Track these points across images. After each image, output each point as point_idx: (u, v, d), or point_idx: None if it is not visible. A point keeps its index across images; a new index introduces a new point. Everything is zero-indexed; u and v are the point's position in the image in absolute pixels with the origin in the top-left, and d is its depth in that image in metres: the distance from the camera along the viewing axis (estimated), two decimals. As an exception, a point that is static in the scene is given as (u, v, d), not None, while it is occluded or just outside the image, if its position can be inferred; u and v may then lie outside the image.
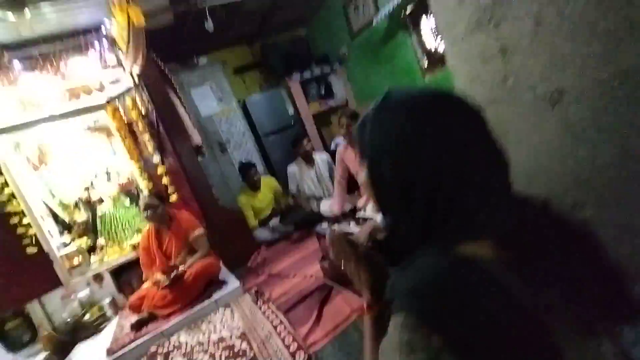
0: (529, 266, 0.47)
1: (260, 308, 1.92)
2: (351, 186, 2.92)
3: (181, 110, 2.78)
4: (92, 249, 2.97)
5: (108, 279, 2.73)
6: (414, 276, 0.39)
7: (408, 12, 3.47)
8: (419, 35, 3.54)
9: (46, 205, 2.92)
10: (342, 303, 1.65)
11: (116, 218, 3.10)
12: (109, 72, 2.65)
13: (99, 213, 3.10)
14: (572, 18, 0.63)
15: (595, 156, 0.68)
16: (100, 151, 3.19)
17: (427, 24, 3.41)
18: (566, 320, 0.57)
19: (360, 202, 2.53)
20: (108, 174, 3.20)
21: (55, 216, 2.96)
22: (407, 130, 0.42)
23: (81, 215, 3.08)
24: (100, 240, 2.99)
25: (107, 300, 2.61)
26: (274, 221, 3.21)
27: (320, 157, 3.27)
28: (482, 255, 0.39)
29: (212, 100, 3.81)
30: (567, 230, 0.72)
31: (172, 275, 2.10)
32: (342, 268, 0.74)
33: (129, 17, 1.97)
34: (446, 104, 0.44)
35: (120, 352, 1.90)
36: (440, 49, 3.40)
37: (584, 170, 0.71)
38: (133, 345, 1.94)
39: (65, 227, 3.03)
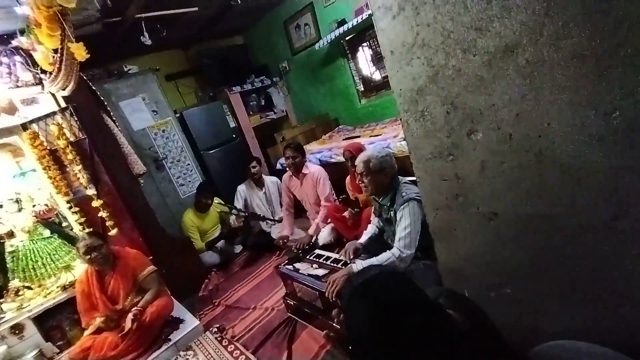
0: None
1: (226, 348, 1.98)
2: (297, 210, 3.11)
3: (119, 135, 2.55)
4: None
5: (31, 328, 2.41)
6: None
7: (347, 38, 3.71)
8: (356, 62, 3.82)
9: None
10: (309, 339, 1.82)
11: (34, 253, 2.71)
12: (22, 91, 2.26)
13: (8, 249, 2.67)
14: (509, 165, 0.90)
15: (512, 257, 1.00)
16: (4, 174, 2.71)
17: (363, 53, 3.71)
18: None
19: (310, 230, 2.73)
20: (18, 201, 2.75)
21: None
22: (374, 327, 0.60)
23: (-18, 253, 2.61)
24: (14, 282, 2.59)
25: (32, 354, 2.31)
26: (221, 243, 3.20)
27: (270, 180, 3.35)
28: None
29: (144, 112, 3.51)
30: None
31: (133, 322, 1.97)
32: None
33: (62, 45, 1.76)
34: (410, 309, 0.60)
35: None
36: (376, 77, 3.75)
37: (504, 264, 1.03)
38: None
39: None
